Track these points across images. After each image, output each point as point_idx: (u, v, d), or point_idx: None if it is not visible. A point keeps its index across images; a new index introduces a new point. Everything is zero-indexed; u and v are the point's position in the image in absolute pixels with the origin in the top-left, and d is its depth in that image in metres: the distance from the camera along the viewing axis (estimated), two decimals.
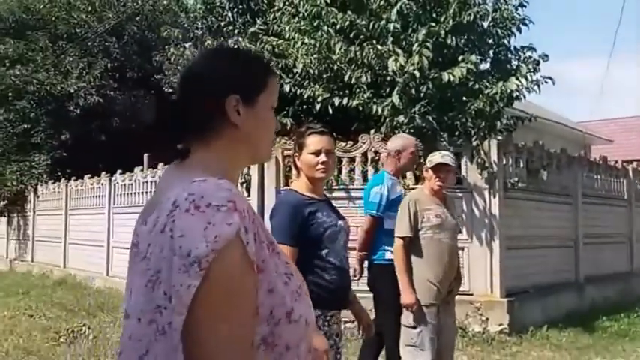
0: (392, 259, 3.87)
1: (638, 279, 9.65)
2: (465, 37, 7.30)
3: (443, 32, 6.79)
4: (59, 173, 14.32)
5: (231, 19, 9.63)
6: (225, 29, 9.42)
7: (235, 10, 9.79)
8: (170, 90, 12.74)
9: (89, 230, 11.42)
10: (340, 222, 2.66)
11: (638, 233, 9.87)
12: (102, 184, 11.28)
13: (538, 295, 7.19)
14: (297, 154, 2.76)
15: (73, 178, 12.56)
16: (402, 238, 3.78)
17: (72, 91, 13.70)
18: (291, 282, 1.11)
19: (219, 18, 9.65)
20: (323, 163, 2.65)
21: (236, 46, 7.80)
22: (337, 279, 2.58)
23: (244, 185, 7.30)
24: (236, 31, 9.17)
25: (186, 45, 10.92)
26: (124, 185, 10.57)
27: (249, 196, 7.21)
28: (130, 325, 1.06)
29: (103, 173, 11.40)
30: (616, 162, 9.79)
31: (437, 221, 3.80)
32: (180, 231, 0.98)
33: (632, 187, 9.85)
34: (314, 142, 2.68)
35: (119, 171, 10.73)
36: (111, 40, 14.63)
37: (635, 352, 5.88)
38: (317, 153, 2.66)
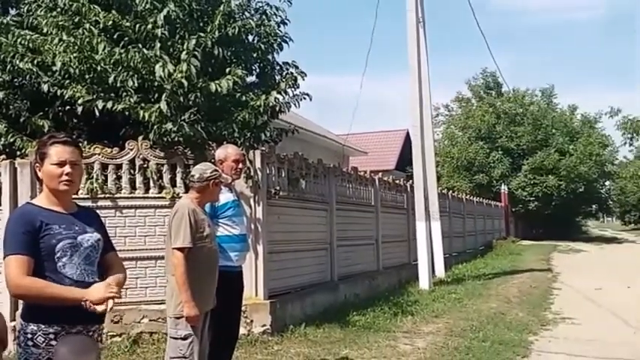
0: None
1: (383, 276, 11.01)
2: (232, 49, 7.49)
3: (210, 43, 6.88)
4: None
5: None
6: None
7: None
8: None
9: None
10: (83, 235, 2.54)
11: (384, 236, 11.24)
12: None
13: (298, 295, 7.69)
14: (38, 165, 2.58)
15: None
16: (183, 249, 3.73)
17: None
18: None
19: None
20: (67, 174, 2.52)
21: None
22: None
23: None
24: None
25: None
26: None
27: (0, 206, 6.51)
28: None
29: None
30: (365, 172, 11.01)
31: (209, 230, 3.90)
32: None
33: (378, 194, 11.19)
34: (57, 152, 2.53)
35: None
36: None
37: (377, 342, 6.58)
38: (61, 164, 2.52)
